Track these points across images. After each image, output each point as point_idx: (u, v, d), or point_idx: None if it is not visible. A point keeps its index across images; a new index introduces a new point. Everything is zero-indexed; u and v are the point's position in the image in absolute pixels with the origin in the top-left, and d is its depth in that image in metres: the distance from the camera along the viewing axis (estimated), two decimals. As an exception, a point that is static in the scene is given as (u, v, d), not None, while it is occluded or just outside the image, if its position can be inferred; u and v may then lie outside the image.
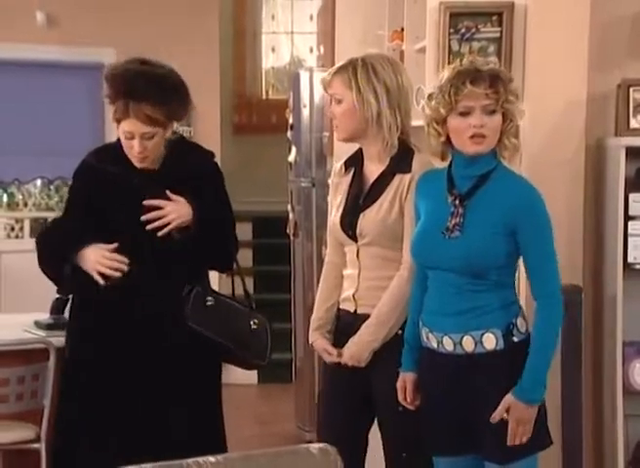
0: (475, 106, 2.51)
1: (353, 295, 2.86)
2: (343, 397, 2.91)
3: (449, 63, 3.58)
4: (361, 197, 2.88)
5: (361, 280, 2.85)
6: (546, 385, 2.55)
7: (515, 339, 2.56)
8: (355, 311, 2.88)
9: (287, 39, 8.77)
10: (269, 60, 8.75)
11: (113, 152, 3.04)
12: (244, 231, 7.71)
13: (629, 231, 3.46)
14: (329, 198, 3.07)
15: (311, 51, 8.37)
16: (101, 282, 2.94)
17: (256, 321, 3.15)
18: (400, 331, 2.80)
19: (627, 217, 3.46)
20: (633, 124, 3.53)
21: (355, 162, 2.95)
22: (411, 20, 3.91)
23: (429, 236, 2.60)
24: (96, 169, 3.04)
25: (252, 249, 7.62)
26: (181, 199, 3.01)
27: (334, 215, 2.95)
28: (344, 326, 2.92)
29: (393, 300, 2.81)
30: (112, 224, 2.99)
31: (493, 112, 2.52)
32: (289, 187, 5.82)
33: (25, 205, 7.30)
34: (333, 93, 2.86)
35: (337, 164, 3.06)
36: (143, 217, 2.95)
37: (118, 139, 3.06)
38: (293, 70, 7.43)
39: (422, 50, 3.73)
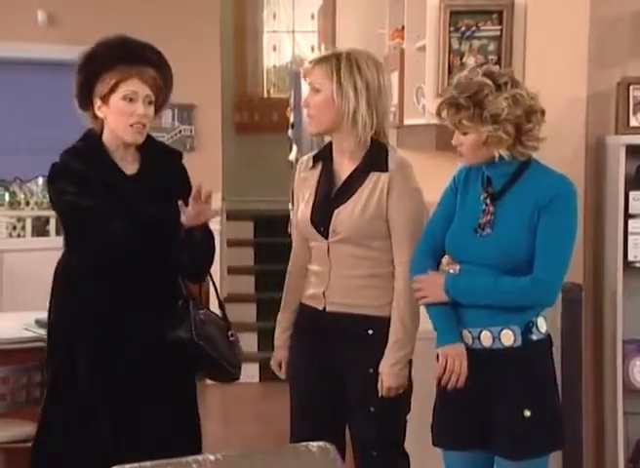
0: (454, 128, 2.63)
1: (323, 293, 2.82)
2: (315, 401, 2.86)
3: (449, 62, 3.59)
4: (332, 193, 2.83)
5: (332, 277, 2.80)
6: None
7: (534, 338, 2.57)
8: (324, 309, 2.83)
9: (288, 38, 8.77)
10: (271, 59, 8.75)
11: (95, 153, 2.86)
12: (245, 230, 7.71)
13: (629, 229, 3.46)
14: (295, 193, 2.99)
15: (313, 49, 8.36)
16: None
17: (232, 332, 3.00)
18: (371, 331, 2.79)
19: (627, 216, 3.46)
20: (633, 122, 3.53)
21: (324, 156, 2.89)
22: (411, 19, 3.90)
23: (463, 233, 2.63)
24: (79, 171, 2.82)
25: (253, 247, 7.62)
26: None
27: (302, 210, 2.88)
28: (310, 324, 2.87)
29: (410, 303, 2.77)
30: None
31: (465, 133, 2.59)
32: (290, 186, 5.82)
33: (27, 204, 7.30)
34: (311, 81, 2.83)
35: (303, 158, 3.00)
36: (186, 216, 2.77)
37: (89, 139, 2.89)
38: (294, 69, 7.43)
39: (423, 48, 3.72)
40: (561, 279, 2.57)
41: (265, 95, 8.72)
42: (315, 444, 2.06)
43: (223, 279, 6.97)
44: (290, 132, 5.75)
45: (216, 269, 6.76)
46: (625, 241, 3.45)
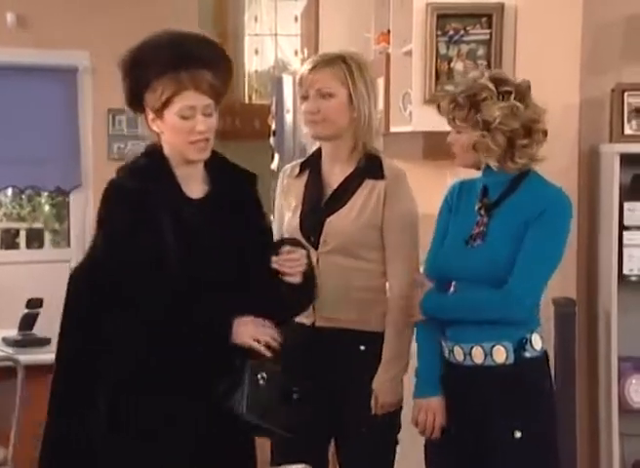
0: (449, 125, 2.65)
1: (313, 307, 2.78)
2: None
3: (436, 67, 3.61)
4: (323, 200, 2.84)
5: (322, 290, 2.74)
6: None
7: (527, 355, 2.57)
8: (313, 324, 2.82)
9: (271, 41, 8.78)
10: (253, 64, 8.75)
11: (157, 170, 2.55)
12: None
13: (624, 242, 3.46)
14: (277, 202, 2.99)
15: (296, 53, 8.39)
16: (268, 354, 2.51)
17: (297, 389, 2.62)
18: (363, 347, 2.79)
19: (622, 227, 3.46)
20: (628, 130, 3.54)
21: (313, 164, 2.90)
22: (397, 22, 3.92)
23: (453, 246, 2.64)
24: (140, 195, 2.50)
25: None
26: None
27: (289, 220, 2.88)
28: (298, 341, 2.77)
29: (405, 317, 2.76)
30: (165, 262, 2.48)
31: (459, 132, 2.61)
32: (271, 196, 5.82)
33: (-4, 215, 7.28)
34: (321, 87, 2.81)
35: (286, 166, 3.01)
36: (277, 260, 2.53)
37: (151, 155, 2.60)
38: (277, 74, 7.45)
39: (409, 53, 3.74)
40: (534, 295, 2.56)
41: (247, 100, 8.71)
42: (294, 467, 2.06)
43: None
44: (272, 139, 5.76)
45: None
46: (620, 254, 3.46)
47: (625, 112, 3.54)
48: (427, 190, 3.28)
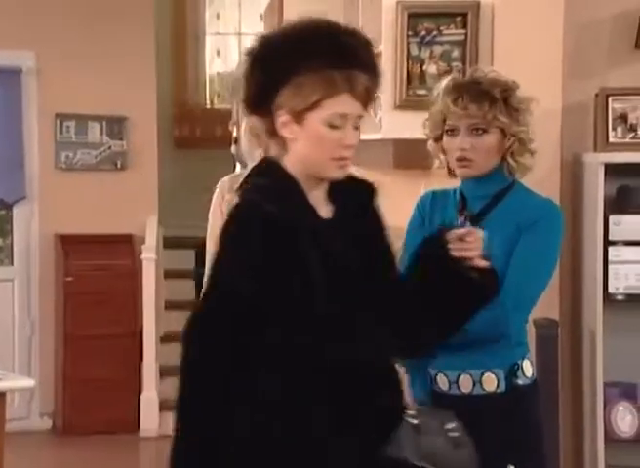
0: (460, 126, 2.55)
1: None
2: None
3: (408, 70, 3.62)
4: None
5: None
6: None
7: (519, 383, 2.55)
8: None
9: (235, 41, 8.80)
10: (214, 65, 8.76)
11: (288, 193, 2.28)
12: (185, 259, 7.67)
13: (610, 258, 3.47)
14: (211, 221, 2.96)
15: (261, 54, 8.38)
16: None
17: (453, 425, 2.44)
18: None
19: (607, 243, 3.47)
20: (612, 138, 3.56)
21: None
22: (367, 22, 3.93)
23: None
24: (280, 220, 2.22)
25: (194, 279, 7.58)
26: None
27: None
28: None
29: None
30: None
31: (481, 132, 2.55)
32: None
33: None
34: None
35: (225, 178, 2.98)
36: (459, 246, 2.32)
37: (274, 173, 2.30)
38: (239, 75, 7.44)
39: (379, 54, 3.75)
40: (526, 308, 2.56)
41: (208, 105, 8.72)
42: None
43: (160, 315, 6.92)
44: (233, 148, 5.74)
45: (151, 304, 6.78)
46: (605, 271, 3.47)
47: (610, 119, 3.56)
48: (399, 202, 3.26)
